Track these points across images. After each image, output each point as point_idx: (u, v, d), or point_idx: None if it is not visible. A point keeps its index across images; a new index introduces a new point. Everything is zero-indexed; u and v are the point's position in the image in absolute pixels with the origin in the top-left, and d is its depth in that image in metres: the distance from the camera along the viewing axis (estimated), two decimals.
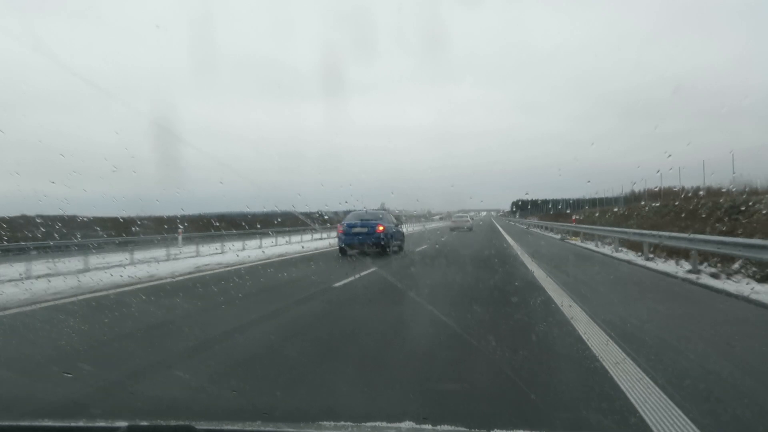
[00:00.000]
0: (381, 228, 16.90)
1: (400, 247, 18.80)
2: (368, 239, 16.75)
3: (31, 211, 16.67)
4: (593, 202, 43.73)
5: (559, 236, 28.92)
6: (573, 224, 28.33)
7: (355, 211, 18.14)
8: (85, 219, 16.07)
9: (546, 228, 38.30)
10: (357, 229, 16.99)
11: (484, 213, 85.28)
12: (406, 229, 24.07)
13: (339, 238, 17.33)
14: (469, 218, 42.68)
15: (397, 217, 20.66)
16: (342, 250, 16.85)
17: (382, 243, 16.79)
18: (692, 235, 11.88)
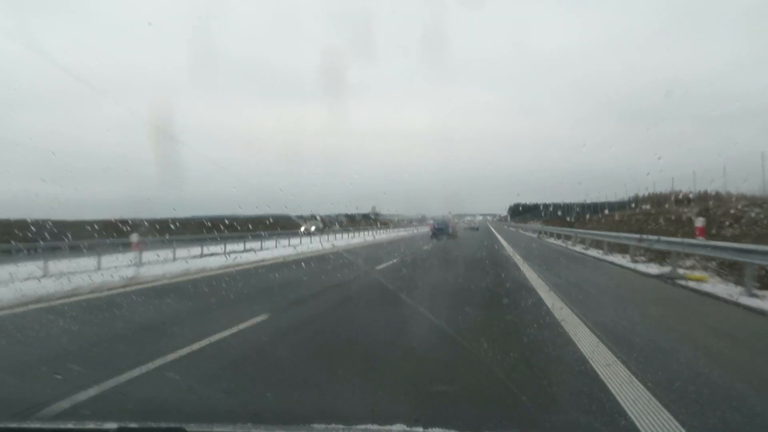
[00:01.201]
0: (451, 225, 37.75)
1: (455, 235, 36.56)
2: (444, 230, 35.47)
3: None
4: (597, 206, 38.99)
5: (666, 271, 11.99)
6: (700, 239, 12.31)
7: (436, 217, 40.04)
8: None
9: (566, 237, 27.46)
10: (439, 226, 36.31)
11: (480, 217, 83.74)
12: (399, 233, 44.01)
13: (431, 230, 36.87)
14: (477, 221, 62.75)
15: (454, 218, 44.49)
16: (432, 235, 34.93)
17: (450, 232, 35.99)
18: None
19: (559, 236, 29.93)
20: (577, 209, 45.81)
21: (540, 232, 37.66)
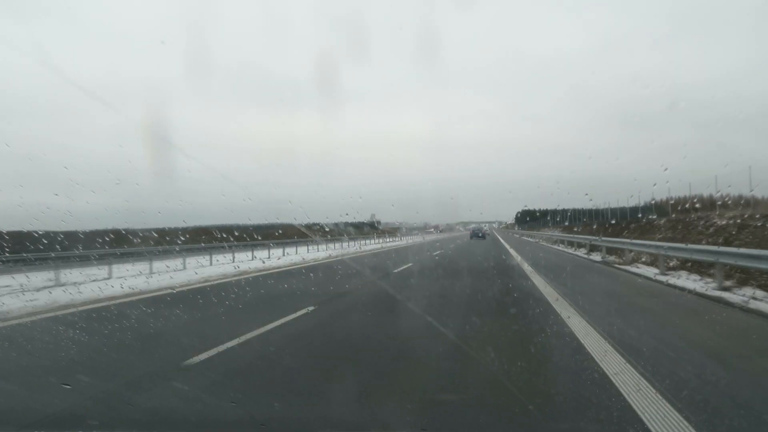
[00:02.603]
0: (483, 231, 54.86)
1: (485, 237, 50.73)
2: (479, 233, 52.06)
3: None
4: (610, 213, 36.70)
5: None
6: None
7: (483, 223, 63.78)
8: None
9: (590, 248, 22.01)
10: (475, 231, 54.06)
11: (486, 226, 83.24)
12: (409, 241, 50.32)
13: (470, 233, 55.10)
14: (487, 227, 69.90)
15: (458, 225, 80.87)
16: (471, 236, 51.99)
17: (483, 235, 51.80)
18: None
19: (592, 248, 22.05)
20: (585, 217, 45.13)
21: (589, 247, 23.31)
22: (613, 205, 38.29)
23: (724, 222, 16.58)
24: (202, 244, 22.41)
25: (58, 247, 15.11)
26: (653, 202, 31.79)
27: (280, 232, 31.10)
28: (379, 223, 55.00)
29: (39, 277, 13.53)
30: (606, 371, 4.56)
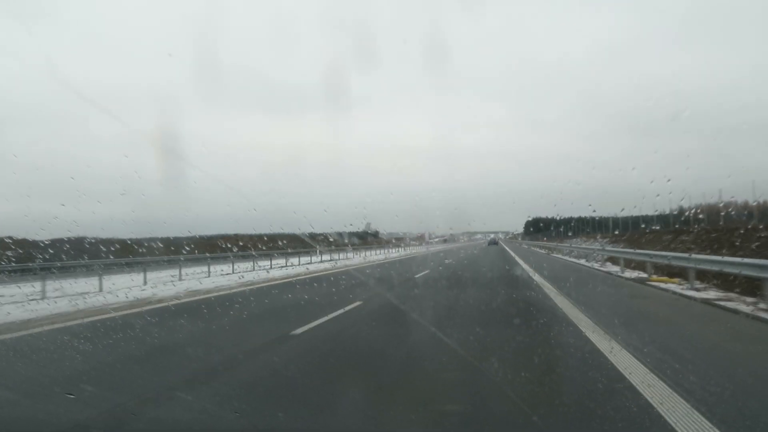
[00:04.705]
0: (496, 239, 78.60)
1: (497, 243, 70.43)
2: (493, 242, 72.34)
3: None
4: (628, 221, 32.96)
5: None
6: None
7: (489, 233, 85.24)
8: None
9: None
10: (491, 240, 76.08)
11: (492, 235, 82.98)
12: (412, 251, 49.38)
13: (487, 241, 76.16)
14: (496, 237, 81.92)
15: (464, 235, 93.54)
16: (488, 244, 68.66)
17: (497, 243, 70.56)
18: None
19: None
20: (588, 226, 43.82)
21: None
22: (633, 213, 34.71)
23: None
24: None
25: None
26: (679, 207, 29.77)
27: (285, 242, 31.11)
28: (377, 233, 54.24)
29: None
30: None
